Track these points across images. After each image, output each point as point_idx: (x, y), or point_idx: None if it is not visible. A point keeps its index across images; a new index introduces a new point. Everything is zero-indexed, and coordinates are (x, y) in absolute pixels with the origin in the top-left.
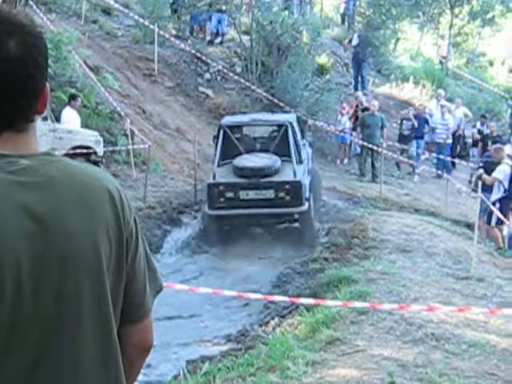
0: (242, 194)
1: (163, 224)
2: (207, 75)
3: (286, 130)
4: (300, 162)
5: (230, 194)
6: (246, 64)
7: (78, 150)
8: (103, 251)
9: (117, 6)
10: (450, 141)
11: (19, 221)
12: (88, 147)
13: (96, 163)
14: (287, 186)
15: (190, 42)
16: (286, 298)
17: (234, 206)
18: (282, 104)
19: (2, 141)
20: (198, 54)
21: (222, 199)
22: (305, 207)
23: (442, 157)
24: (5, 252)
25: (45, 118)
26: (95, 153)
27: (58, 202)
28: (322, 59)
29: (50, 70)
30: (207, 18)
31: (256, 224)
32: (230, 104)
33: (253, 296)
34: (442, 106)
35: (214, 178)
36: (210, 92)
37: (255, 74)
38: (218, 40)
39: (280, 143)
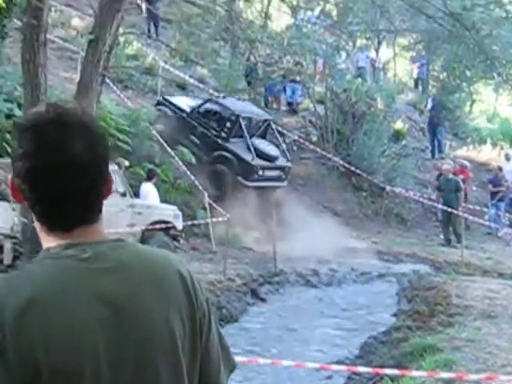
0: (268, 172)
1: (243, 296)
2: (283, 145)
3: (270, 124)
4: None
5: (260, 172)
6: (321, 133)
7: (158, 225)
8: (178, 333)
9: (192, 80)
10: None
11: (95, 309)
12: (167, 222)
13: (175, 237)
14: (286, 169)
15: None
16: (369, 369)
17: (261, 180)
18: (358, 171)
19: (74, 233)
20: (274, 125)
21: (256, 176)
22: (286, 183)
23: None
24: (83, 345)
25: (123, 194)
26: (174, 227)
27: (131, 286)
28: (398, 125)
29: (128, 147)
30: (281, 88)
31: (267, 191)
32: (307, 173)
33: (336, 367)
34: None
35: (253, 160)
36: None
37: (331, 143)
38: (293, 110)
39: (266, 133)
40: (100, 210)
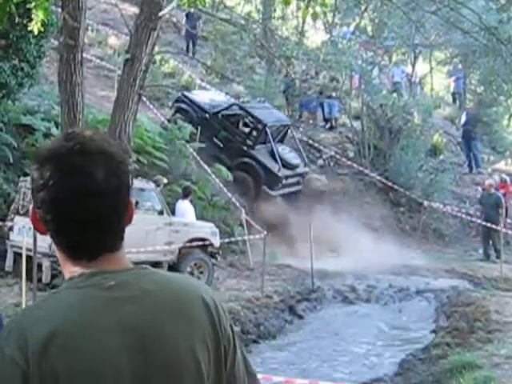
0: (289, 180)
1: (281, 313)
2: (320, 161)
3: (289, 129)
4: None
5: (284, 181)
6: (358, 148)
7: (195, 243)
8: (202, 360)
9: (227, 97)
10: None
11: (119, 338)
12: (204, 239)
13: (213, 255)
14: (304, 175)
15: (301, 129)
16: None
17: (284, 187)
18: (396, 187)
19: (98, 261)
20: (310, 141)
21: (280, 185)
22: (301, 186)
23: None
24: (107, 374)
25: (161, 212)
26: (211, 244)
27: (155, 314)
28: (435, 139)
29: (165, 164)
30: (317, 104)
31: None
32: (344, 189)
33: None
34: None
35: (279, 171)
36: (323, 178)
37: (368, 158)
38: (329, 126)
39: (284, 137)
40: (122, 238)
